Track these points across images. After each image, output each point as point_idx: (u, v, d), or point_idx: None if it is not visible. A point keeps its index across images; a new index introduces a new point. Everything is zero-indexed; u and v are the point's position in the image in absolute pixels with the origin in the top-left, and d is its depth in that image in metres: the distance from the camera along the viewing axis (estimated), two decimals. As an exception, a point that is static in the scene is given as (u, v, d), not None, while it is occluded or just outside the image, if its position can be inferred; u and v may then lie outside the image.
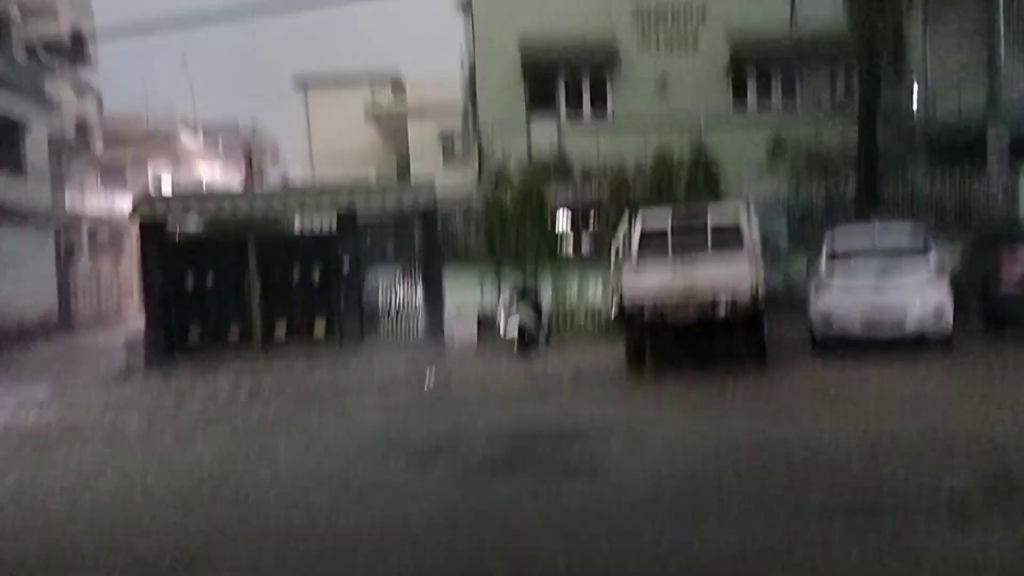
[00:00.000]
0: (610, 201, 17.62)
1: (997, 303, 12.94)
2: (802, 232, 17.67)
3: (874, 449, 6.88)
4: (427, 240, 17.80)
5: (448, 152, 31.44)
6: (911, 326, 11.56)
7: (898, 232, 12.77)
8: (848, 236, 12.87)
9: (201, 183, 39.93)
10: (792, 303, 14.59)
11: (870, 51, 16.81)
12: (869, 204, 16.35)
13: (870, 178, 16.72)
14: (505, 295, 16.50)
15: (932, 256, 12.05)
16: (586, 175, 19.17)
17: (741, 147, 18.57)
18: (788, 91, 21.67)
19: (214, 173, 44.00)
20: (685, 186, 17.24)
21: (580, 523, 5.57)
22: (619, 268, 11.64)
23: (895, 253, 12.21)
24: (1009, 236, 13.45)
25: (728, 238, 11.32)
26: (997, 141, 18.90)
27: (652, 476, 6.60)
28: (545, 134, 21.05)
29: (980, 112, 19.10)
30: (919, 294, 11.64)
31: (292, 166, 44.38)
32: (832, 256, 12.43)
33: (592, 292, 17.74)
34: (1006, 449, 6.70)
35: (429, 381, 12.40)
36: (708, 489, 6.13)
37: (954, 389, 9.58)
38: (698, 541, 5.05)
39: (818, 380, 10.50)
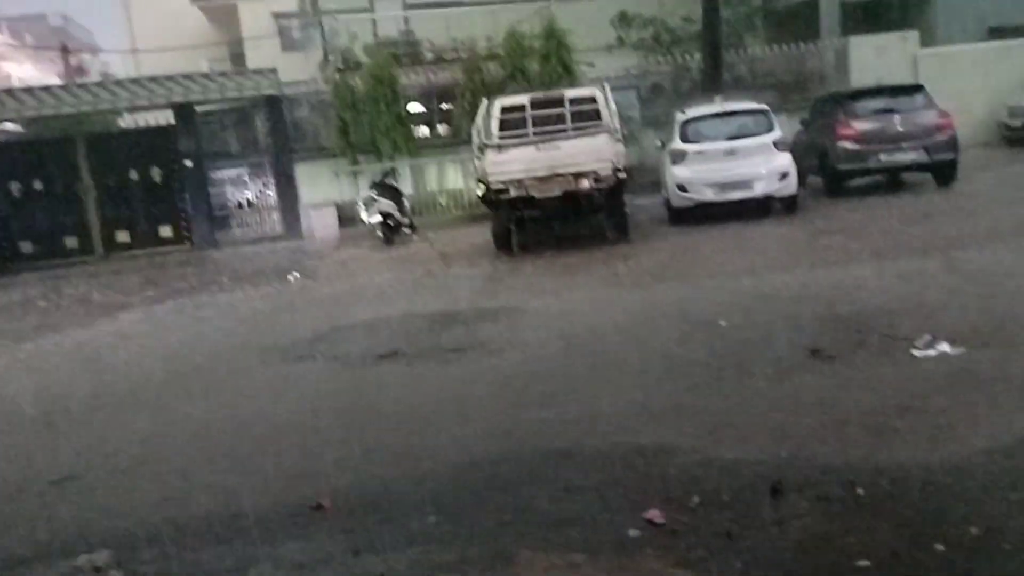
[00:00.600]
0: (464, 85, 17.31)
1: (834, 168, 13.82)
2: (653, 107, 18.07)
3: (736, 301, 7.28)
4: (275, 132, 17.02)
5: (287, 39, 29.72)
6: (759, 189, 12.21)
7: (744, 105, 13.26)
8: (697, 111, 13.26)
9: (11, 81, 36.28)
10: (646, 176, 15.08)
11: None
12: (714, 79, 16.82)
13: (715, 53, 17.13)
14: (363, 184, 16.12)
15: (775, 126, 12.64)
16: (438, 58, 18.68)
17: (590, 23, 18.54)
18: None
19: (25, 72, 40.02)
20: (539, 65, 17.12)
21: (474, 395, 5.65)
22: (481, 151, 11.59)
23: (742, 125, 12.76)
24: (842, 106, 14.23)
25: (587, 116, 11.65)
26: (828, 15, 19.77)
27: (539, 347, 6.74)
28: (391, 16, 20.25)
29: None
30: (765, 160, 12.25)
31: (114, 60, 40.94)
32: (684, 130, 12.80)
33: (452, 177, 17.61)
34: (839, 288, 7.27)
35: (294, 274, 12.07)
36: (593, 354, 6.35)
37: (798, 241, 10.34)
38: (591, 399, 5.23)
39: (678, 245, 11.03)
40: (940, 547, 3.13)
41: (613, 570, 3.20)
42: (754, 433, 4.40)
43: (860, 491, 3.62)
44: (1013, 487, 3.53)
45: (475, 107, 13.48)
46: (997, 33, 19.82)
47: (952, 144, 13.37)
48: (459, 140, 16.49)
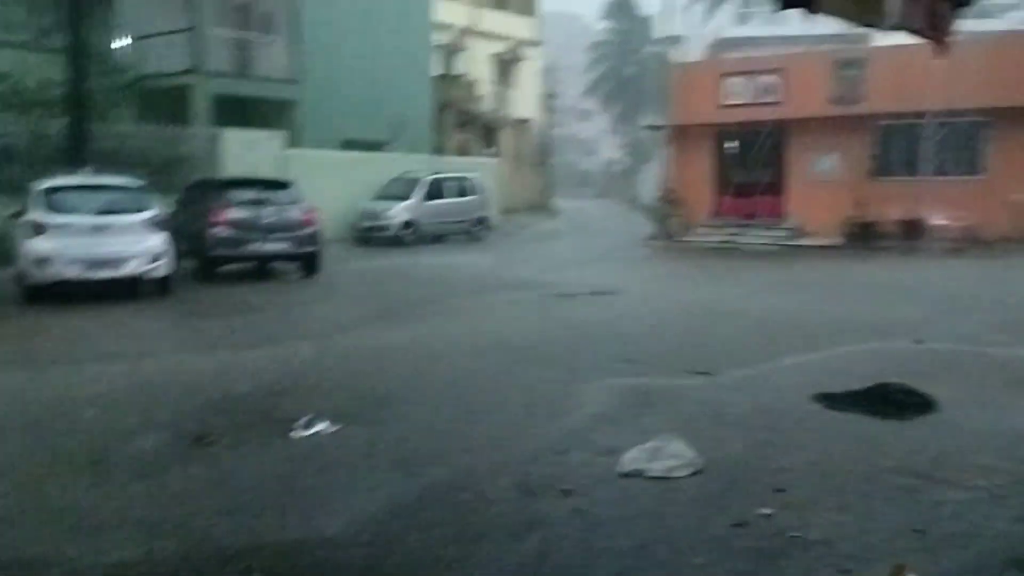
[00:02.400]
0: None
1: (207, 253, 13.94)
2: (4, 172, 16.03)
3: (109, 389, 6.75)
4: None
5: None
6: (131, 268, 11.64)
7: (116, 180, 12.63)
8: (63, 180, 12.20)
9: None
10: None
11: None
12: (80, 149, 15.67)
13: (80, 122, 16.00)
14: None
15: (150, 205, 12.26)
16: None
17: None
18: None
19: None
20: None
21: None
22: None
23: (113, 200, 12.10)
24: (216, 194, 14.54)
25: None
26: (201, 103, 20.14)
27: None
28: None
29: (187, 72, 20.11)
30: (137, 239, 11.77)
31: None
32: (47, 199, 11.62)
33: None
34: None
35: None
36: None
37: (175, 325, 10.06)
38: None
39: (36, 327, 9.82)
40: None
41: None
42: (137, 531, 4.06)
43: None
44: (388, 553, 3.86)
45: None
46: (349, 144, 22.56)
47: (316, 238, 14.62)
48: None
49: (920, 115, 18.16)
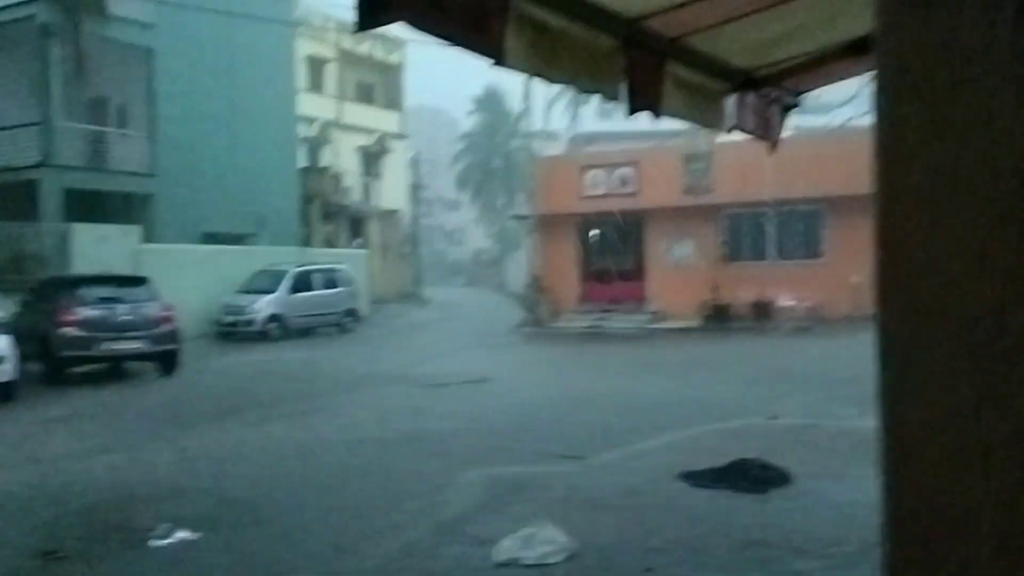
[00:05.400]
0: None
1: (56, 354, 13.14)
2: None
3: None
4: None
5: None
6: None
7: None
8: None
9: None
10: None
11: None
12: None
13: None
14: None
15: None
16: None
17: None
18: None
19: None
20: None
21: None
22: None
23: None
24: (65, 292, 13.85)
25: None
26: (50, 197, 19.31)
27: None
28: None
29: (36, 166, 19.31)
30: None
31: None
32: None
33: None
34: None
35: None
36: None
37: (17, 434, 9.35)
38: None
39: None
40: None
41: None
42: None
43: None
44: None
45: None
46: (210, 238, 22.03)
47: (174, 336, 14.08)
48: None
49: (763, 204, 19.49)
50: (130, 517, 5.87)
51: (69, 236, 18.39)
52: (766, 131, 4.36)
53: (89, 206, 19.73)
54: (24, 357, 11.95)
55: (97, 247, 18.20)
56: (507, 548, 4.96)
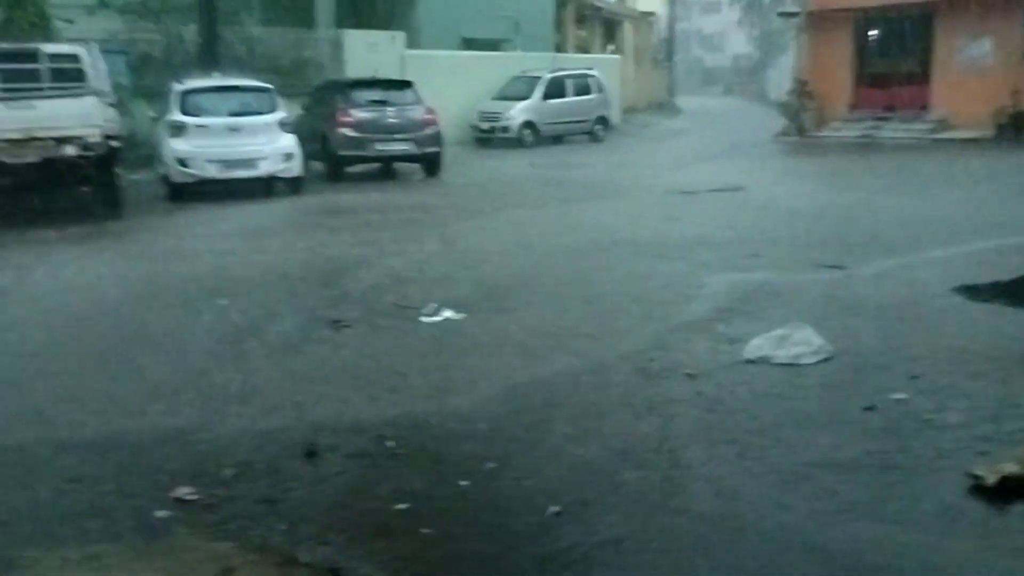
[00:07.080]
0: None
1: (334, 153, 14.27)
2: (143, 78, 16.77)
3: (253, 275, 7.12)
4: None
5: None
6: (264, 168, 12.07)
7: (247, 82, 13.01)
8: (198, 82, 12.66)
9: None
10: (136, 151, 13.93)
11: None
12: (211, 54, 16.19)
13: (211, 27, 16.49)
14: None
15: (279, 106, 12.61)
16: None
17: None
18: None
19: None
20: (4, 13, 14.72)
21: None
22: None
23: (245, 102, 12.51)
24: (341, 95, 14.78)
25: (69, 76, 10.34)
26: (323, 5, 20.32)
27: (33, 328, 5.81)
28: None
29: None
30: (269, 140, 12.16)
31: None
32: (184, 101, 12.11)
33: None
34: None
35: None
36: (91, 336, 5.68)
37: (307, 221, 10.49)
38: (80, 383, 4.66)
39: (181, 222, 10.40)
40: (464, 482, 3.41)
41: (142, 554, 2.88)
42: (282, 402, 4.33)
43: (389, 443, 3.77)
44: (513, 427, 3.99)
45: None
46: (468, 43, 22.37)
47: (437, 139, 14.72)
48: None
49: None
50: (402, 296, 6.41)
51: (341, 42, 19.42)
52: None
53: (358, 12, 20.58)
54: (306, 157, 13.14)
55: (367, 53, 19.10)
56: (758, 346, 4.89)
